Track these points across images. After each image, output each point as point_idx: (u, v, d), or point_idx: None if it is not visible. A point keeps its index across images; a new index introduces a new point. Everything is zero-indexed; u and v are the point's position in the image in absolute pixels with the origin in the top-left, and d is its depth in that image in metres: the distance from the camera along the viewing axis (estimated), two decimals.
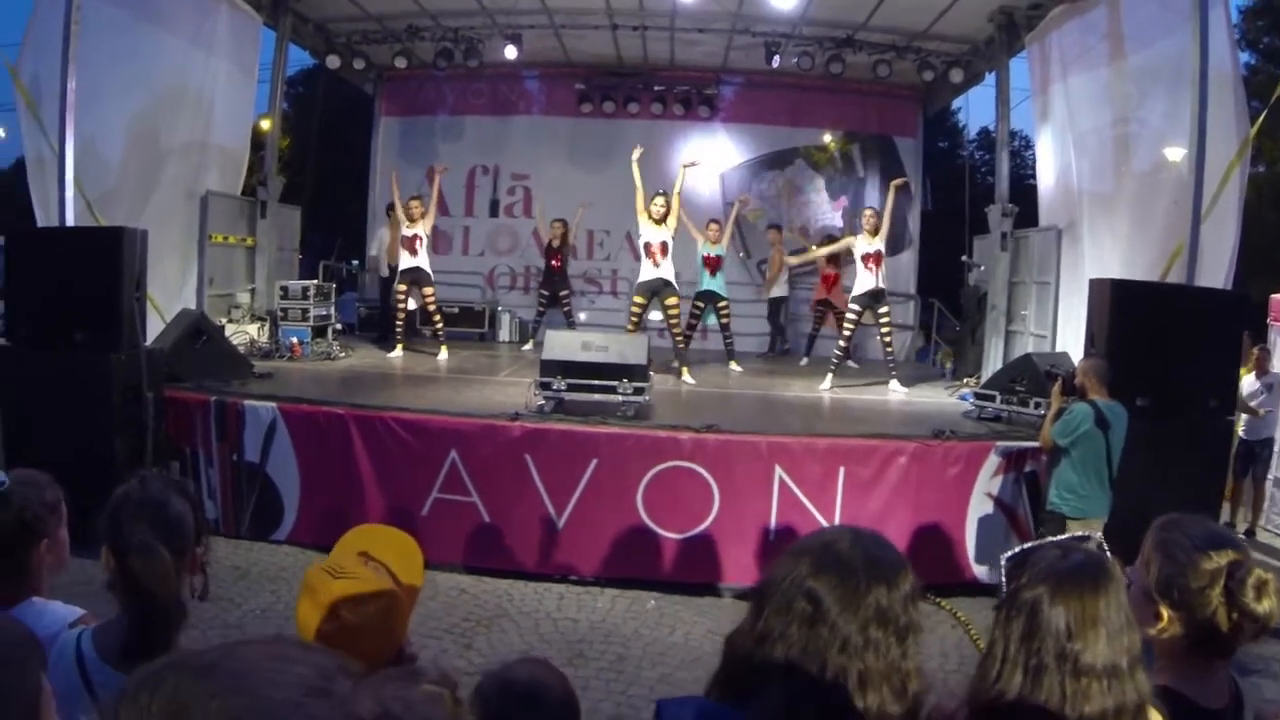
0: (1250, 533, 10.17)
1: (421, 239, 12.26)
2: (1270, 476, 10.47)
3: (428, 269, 12.43)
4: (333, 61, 15.20)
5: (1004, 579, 1.99)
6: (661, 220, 11.14)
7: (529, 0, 13.47)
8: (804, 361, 14.31)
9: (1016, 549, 2.03)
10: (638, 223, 11.40)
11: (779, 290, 15.30)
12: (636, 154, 11.25)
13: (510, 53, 14.74)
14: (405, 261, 12.33)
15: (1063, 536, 2.05)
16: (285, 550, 8.35)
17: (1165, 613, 2.15)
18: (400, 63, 15.41)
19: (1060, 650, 1.75)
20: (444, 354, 12.68)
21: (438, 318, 12.83)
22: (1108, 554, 1.97)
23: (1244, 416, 10.06)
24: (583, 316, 14.83)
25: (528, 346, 14.62)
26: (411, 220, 12.26)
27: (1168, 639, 2.15)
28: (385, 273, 14.71)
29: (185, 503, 2.38)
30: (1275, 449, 10.42)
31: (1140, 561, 2.25)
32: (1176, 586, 2.14)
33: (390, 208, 14.56)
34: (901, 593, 1.67)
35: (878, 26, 14.08)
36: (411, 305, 12.90)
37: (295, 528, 8.49)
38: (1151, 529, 2.28)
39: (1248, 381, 10.12)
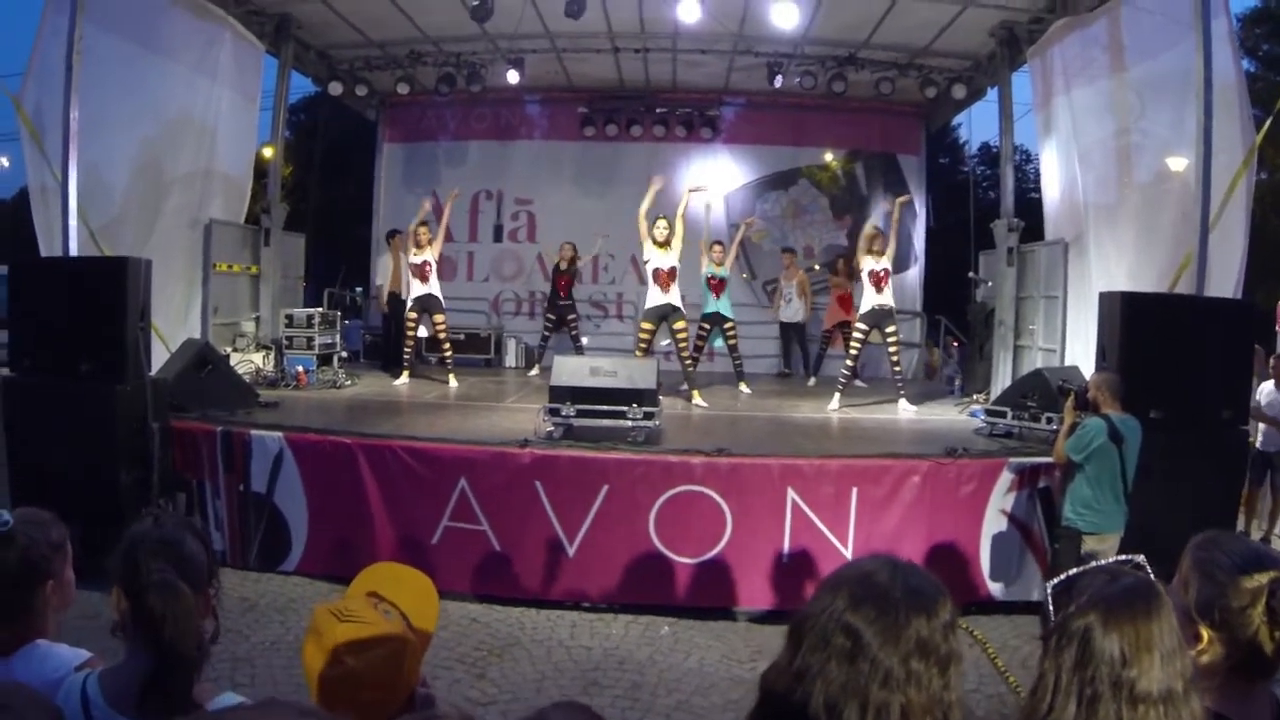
0: (1265, 541, 10.08)
1: (431, 265, 12.18)
2: None
3: (439, 295, 12.36)
4: (335, 88, 15.25)
5: (1051, 607, 1.93)
6: (666, 243, 11.10)
7: (531, 24, 13.46)
8: (811, 382, 14.26)
9: (1062, 575, 1.97)
10: (642, 248, 11.36)
11: (797, 315, 15.13)
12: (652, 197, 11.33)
13: (512, 77, 14.81)
14: (416, 289, 12.23)
15: (1109, 560, 1.98)
16: (294, 581, 8.27)
17: (1205, 634, 2.09)
18: (403, 89, 15.43)
19: (1115, 678, 1.69)
20: (453, 382, 12.64)
21: (447, 346, 12.78)
22: (1151, 576, 1.91)
23: (1261, 426, 9.99)
24: (586, 340, 14.73)
25: (533, 372, 14.63)
26: (419, 247, 12.20)
27: (1208, 660, 2.09)
28: (386, 299, 14.65)
29: (198, 543, 2.32)
30: None
31: (1178, 581, 2.19)
32: (1217, 607, 2.08)
33: (390, 235, 14.56)
34: (941, 622, 1.62)
35: (880, 44, 14.13)
36: (422, 333, 12.84)
37: (304, 558, 8.40)
38: (1188, 548, 2.23)
39: (1267, 391, 10.05)
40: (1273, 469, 10.19)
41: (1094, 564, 1.94)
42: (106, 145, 9.82)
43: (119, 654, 2.21)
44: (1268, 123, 8.97)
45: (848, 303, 14.03)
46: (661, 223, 11.18)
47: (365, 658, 1.88)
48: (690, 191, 11.75)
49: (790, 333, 15.43)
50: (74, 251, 8.63)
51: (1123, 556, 2.01)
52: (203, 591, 2.25)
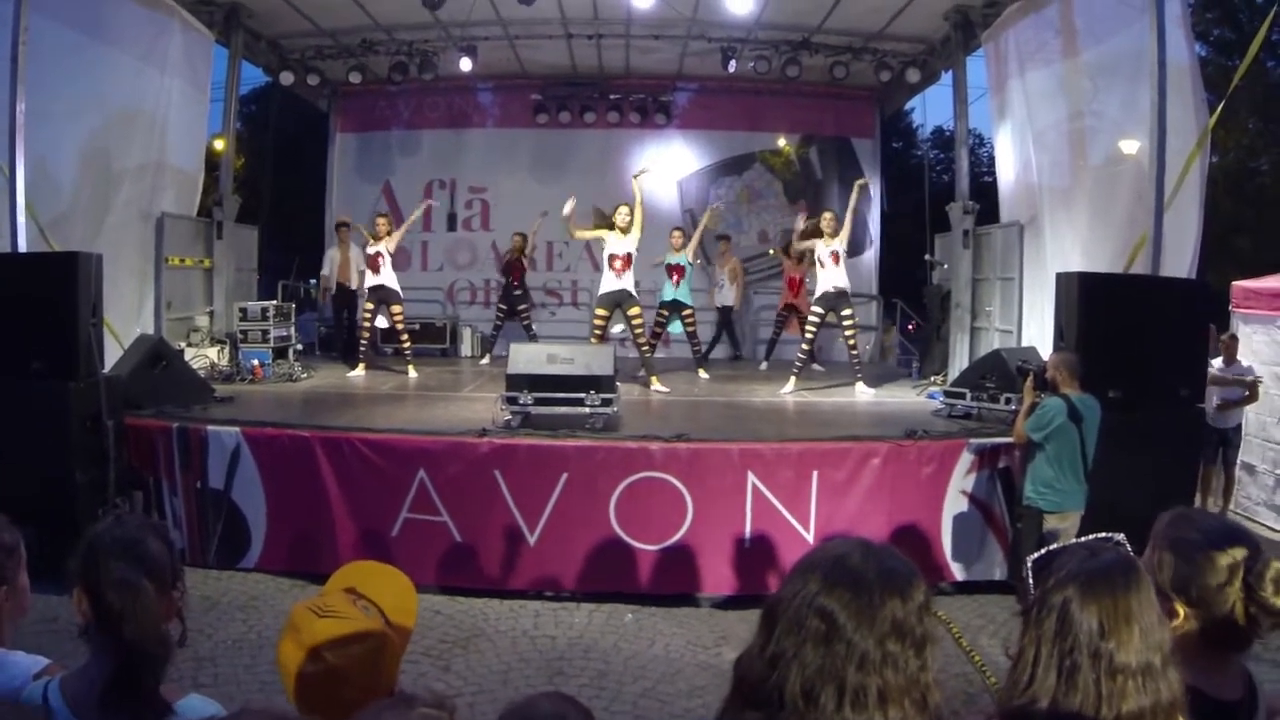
0: None
1: (384, 256, 12.13)
2: (1239, 461, 10.55)
3: (395, 286, 12.32)
4: (286, 78, 15.06)
5: (1030, 582, 1.94)
6: (626, 230, 11.07)
7: (483, 11, 13.36)
8: (763, 366, 14.32)
9: (1043, 551, 1.98)
10: (604, 239, 11.31)
11: (728, 299, 15.16)
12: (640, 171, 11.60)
13: (465, 65, 14.68)
14: (369, 280, 12.24)
15: (1089, 537, 2.00)
16: (255, 578, 8.14)
17: (1181, 610, 2.10)
18: (355, 78, 15.33)
19: (1094, 650, 1.72)
20: (412, 373, 12.55)
21: (405, 336, 12.72)
22: (1131, 553, 1.92)
23: (1212, 404, 10.11)
24: (537, 329, 14.67)
25: (484, 361, 14.53)
26: (376, 238, 12.14)
27: (1182, 635, 2.10)
28: (333, 289, 14.53)
29: (161, 543, 2.24)
30: (1244, 435, 10.51)
31: (1150, 559, 2.20)
32: (1194, 584, 2.09)
33: (340, 226, 14.43)
34: (916, 603, 1.61)
35: (834, 29, 14.13)
36: (381, 324, 12.74)
37: (263, 554, 8.27)
38: (1160, 526, 2.23)
39: (1217, 367, 10.20)
40: (1225, 446, 10.33)
41: (1075, 540, 1.95)
42: (54, 138, 9.61)
43: (79, 660, 2.14)
44: (1220, 106, 9.08)
45: (796, 286, 14.08)
46: (623, 209, 11.16)
47: (345, 654, 1.85)
48: (636, 177, 11.58)
49: (721, 316, 15.45)
50: (23, 248, 8.46)
51: (1103, 534, 2.02)
52: (167, 593, 2.18)
